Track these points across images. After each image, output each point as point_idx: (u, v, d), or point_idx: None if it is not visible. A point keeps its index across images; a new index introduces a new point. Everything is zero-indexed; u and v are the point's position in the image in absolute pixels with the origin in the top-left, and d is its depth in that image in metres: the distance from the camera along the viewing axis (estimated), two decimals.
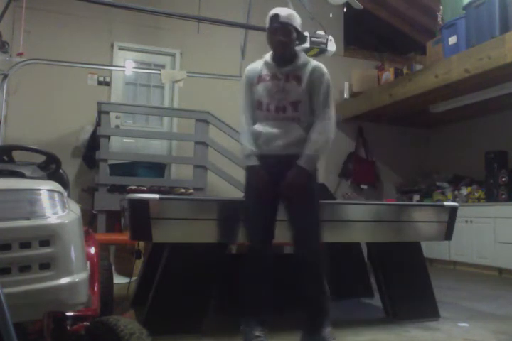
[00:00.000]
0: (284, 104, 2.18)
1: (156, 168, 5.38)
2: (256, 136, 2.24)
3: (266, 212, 2.25)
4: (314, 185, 2.27)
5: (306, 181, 2.16)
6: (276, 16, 2.17)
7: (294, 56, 2.24)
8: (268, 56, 2.29)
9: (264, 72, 2.26)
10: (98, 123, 5.00)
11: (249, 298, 2.26)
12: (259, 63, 2.31)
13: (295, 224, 2.22)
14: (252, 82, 2.27)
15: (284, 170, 2.16)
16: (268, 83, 2.22)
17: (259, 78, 2.26)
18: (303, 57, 2.27)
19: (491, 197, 5.42)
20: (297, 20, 2.22)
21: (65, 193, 1.61)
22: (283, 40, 2.17)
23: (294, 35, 2.21)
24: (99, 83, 5.71)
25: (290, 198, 2.19)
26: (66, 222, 1.49)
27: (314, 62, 2.26)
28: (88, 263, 1.74)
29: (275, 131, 2.19)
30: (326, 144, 2.19)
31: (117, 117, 5.68)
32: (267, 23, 2.22)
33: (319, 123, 2.19)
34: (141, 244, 3.30)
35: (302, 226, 2.21)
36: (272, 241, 2.29)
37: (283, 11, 2.19)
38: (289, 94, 2.19)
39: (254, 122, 2.27)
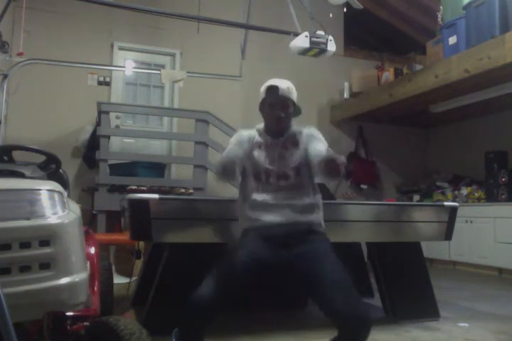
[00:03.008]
0: (285, 171, 2.04)
1: (156, 168, 5.38)
2: (253, 204, 2.01)
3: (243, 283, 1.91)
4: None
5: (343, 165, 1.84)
6: (275, 89, 2.04)
7: (289, 127, 2.15)
8: (261, 127, 2.17)
9: (259, 140, 2.12)
10: (98, 123, 5.00)
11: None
12: (252, 131, 2.18)
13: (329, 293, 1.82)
14: (244, 144, 2.10)
15: (292, 243, 1.93)
16: (264, 152, 2.08)
17: (254, 144, 2.11)
18: (295, 125, 2.17)
19: (491, 197, 5.42)
20: (295, 93, 2.11)
21: (65, 193, 1.61)
22: (282, 115, 2.05)
23: (292, 108, 2.09)
24: (99, 83, 5.72)
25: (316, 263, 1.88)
26: (66, 222, 1.48)
27: (305, 128, 2.15)
28: (88, 263, 1.74)
29: (279, 202, 2.00)
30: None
31: (117, 117, 5.68)
32: (262, 93, 2.09)
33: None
34: (141, 244, 3.30)
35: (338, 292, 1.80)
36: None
37: (282, 84, 2.06)
38: (288, 160, 2.06)
39: (250, 192, 2.06)
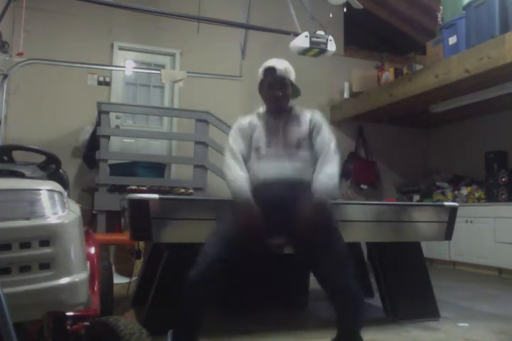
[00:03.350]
0: (284, 144, 2.07)
1: (156, 168, 5.38)
2: (251, 170, 2.05)
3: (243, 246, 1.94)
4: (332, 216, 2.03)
5: (329, 216, 1.92)
6: (272, 70, 2.08)
7: (290, 108, 2.16)
8: (261, 109, 2.19)
9: (259, 123, 2.14)
10: (98, 123, 5.00)
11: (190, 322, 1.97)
12: (252, 116, 2.19)
13: (322, 267, 1.91)
14: (246, 132, 2.13)
15: (289, 197, 1.94)
16: (265, 130, 2.10)
17: (255, 127, 2.13)
18: (297, 107, 2.19)
19: (491, 197, 5.42)
20: (293, 73, 2.13)
21: (65, 193, 1.61)
22: (280, 94, 2.08)
23: (290, 89, 2.12)
24: (99, 83, 5.72)
25: (308, 240, 1.89)
26: (66, 222, 1.48)
27: (309, 111, 2.17)
28: (88, 263, 1.74)
29: (277, 163, 2.03)
30: (335, 179, 1.98)
31: (117, 117, 5.68)
32: (260, 74, 2.13)
33: (326, 157, 2.01)
34: (141, 244, 3.30)
35: (332, 268, 1.87)
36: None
37: (279, 64, 2.09)
38: (289, 135, 2.08)
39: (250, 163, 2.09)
